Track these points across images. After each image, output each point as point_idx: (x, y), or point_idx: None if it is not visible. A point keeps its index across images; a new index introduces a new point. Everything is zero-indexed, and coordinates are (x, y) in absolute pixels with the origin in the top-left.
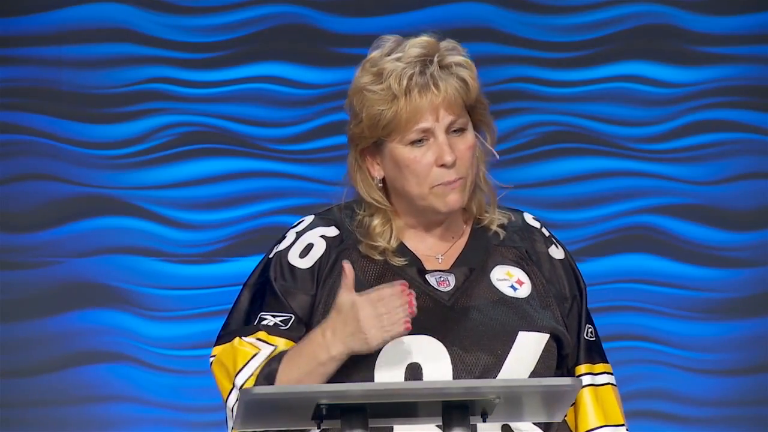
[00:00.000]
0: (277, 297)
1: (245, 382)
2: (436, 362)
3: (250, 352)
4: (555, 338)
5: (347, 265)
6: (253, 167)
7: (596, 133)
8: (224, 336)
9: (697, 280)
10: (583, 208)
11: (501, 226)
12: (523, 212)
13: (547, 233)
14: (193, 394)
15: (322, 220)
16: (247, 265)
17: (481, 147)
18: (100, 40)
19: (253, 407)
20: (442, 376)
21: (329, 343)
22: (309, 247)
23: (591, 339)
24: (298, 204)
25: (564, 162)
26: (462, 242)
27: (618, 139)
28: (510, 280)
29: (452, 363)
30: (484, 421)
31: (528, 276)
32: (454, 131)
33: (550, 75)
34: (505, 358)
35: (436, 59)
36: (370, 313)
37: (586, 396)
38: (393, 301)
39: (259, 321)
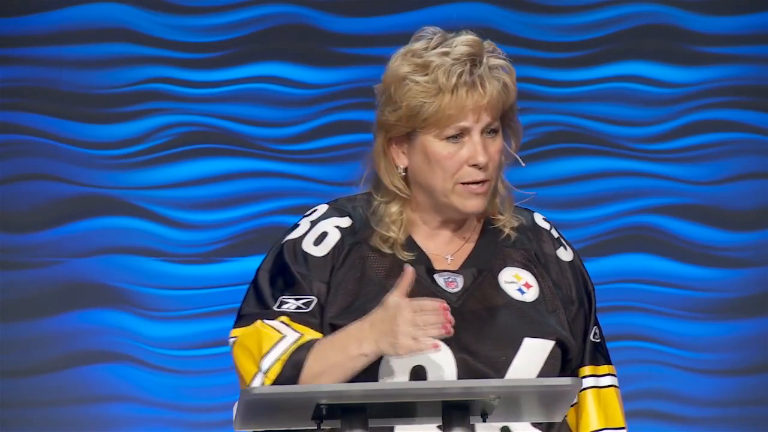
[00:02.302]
0: (296, 280)
1: (271, 366)
2: (440, 366)
3: (275, 337)
4: (560, 344)
5: (409, 269)
6: (253, 167)
7: (596, 133)
8: (244, 318)
9: (697, 280)
10: (583, 208)
11: (513, 228)
12: (533, 212)
13: (556, 234)
14: (193, 394)
15: (336, 210)
16: (247, 265)
17: (505, 151)
18: (100, 40)
19: (253, 407)
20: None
21: (364, 336)
22: (323, 236)
23: (596, 341)
24: (298, 204)
25: (564, 162)
26: (472, 243)
27: (618, 139)
28: (518, 283)
29: (457, 367)
30: (484, 421)
31: (536, 279)
32: (488, 133)
33: (550, 75)
34: (510, 364)
35: (484, 60)
36: (407, 319)
37: (589, 398)
38: (431, 317)
39: (281, 304)
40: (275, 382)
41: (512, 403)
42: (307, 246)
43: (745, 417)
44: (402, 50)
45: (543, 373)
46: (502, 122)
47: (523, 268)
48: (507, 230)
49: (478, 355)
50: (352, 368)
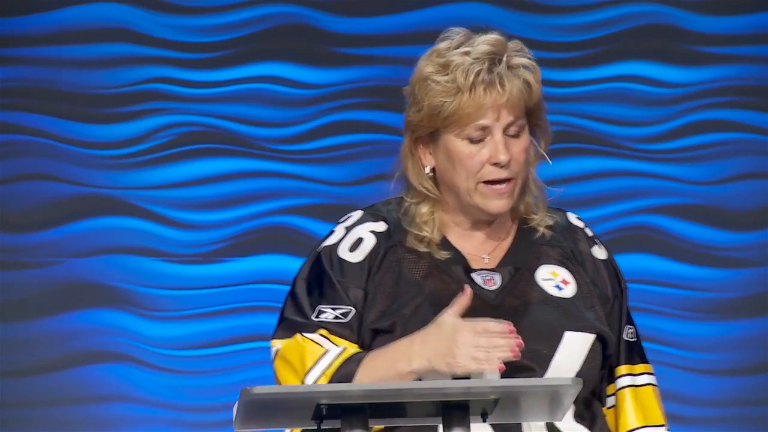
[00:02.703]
0: (335, 289)
1: (317, 380)
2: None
3: (318, 352)
4: (600, 338)
5: (468, 289)
6: (253, 167)
7: (596, 133)
8: (283, 328)
9: (697, 280)
10: (584, 208)
11: (548, 227)
12: (566, 212)
13: (590, 233)
14: (193, 394)
15: (371, 215)
16: (247, 265)
17: (534, 149)
18: (100, 40)
19: (253, 407)
20: (495, 375)
21: (414, 354)
22: (359, 242)
23: (632, 339)
24: (298, 204)
25: (564, 162)
26: (508, 242)
27: (618, 139)
28: (555, 279)
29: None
30: (484, 421)
31: (573, 276)
32: (511, 132)
33: (550, 75)
34: (552, 359)
35: (504, 58)
36: (468, 341)
37: (627, 397)
38: (496, 339)
39: (318, 313)
40: None
41: (512, 403)
42: (343, 252)
43: (745, 417)
44: (428, 51)
45: (585, 367)
46: (529, 121)
47: (559, 265)
48: (542, 229)
49: (521, 349)
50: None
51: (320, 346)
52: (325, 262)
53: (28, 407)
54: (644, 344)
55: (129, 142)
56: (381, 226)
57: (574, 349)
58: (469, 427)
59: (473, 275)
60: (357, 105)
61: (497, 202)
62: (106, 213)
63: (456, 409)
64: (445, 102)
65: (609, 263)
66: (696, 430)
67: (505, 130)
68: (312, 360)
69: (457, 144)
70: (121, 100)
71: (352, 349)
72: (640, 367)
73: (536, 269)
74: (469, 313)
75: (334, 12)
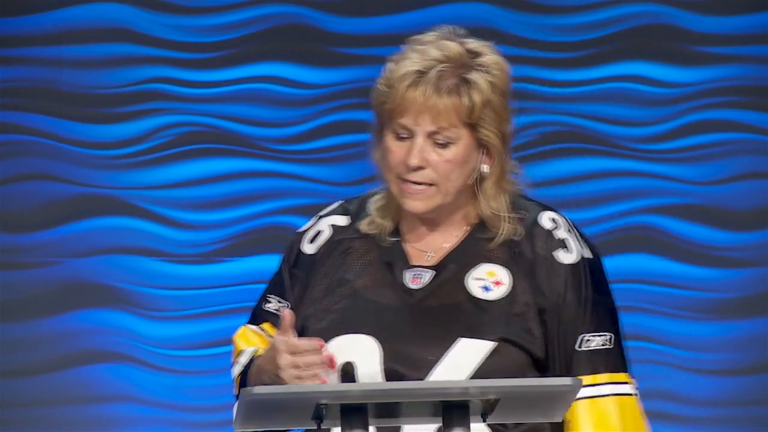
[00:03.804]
0: (283, 280)
1: (235, 378)
2: (369, 364)
3: (244, 348)
4: (512, 344)
5: (285, 313)
6: (253, 167)
7: (596, 133)
8: (252, 312)
9: (697, 280)
10: (583, 208)
11: (508, 226)
12: (544, 211)
13: (561, 236)
14: (193, 394)
15: (342, 208)
16: (247, 265)
17: (497, 162)
18: (100, 40)
19: (253, 407)
20: (373, 378)
21: (266, 369)
22: (318, 234)
23: (597, 348)
24: (298, 204)
25: (564, 162)
26: (456, 240)
27: (618, 139)
28: (487, 280)
29: (383, 366)
30: (484, 421)
31: (513, 278)
32: (439, 140)
33: (550, 75)
34: (438, 364)
35: (444, 67)
36: (286, 361)
37: (578, 409)
38: (309, 357)
39: (266, 302)
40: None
41: (512, 403)
42: (305, 243)
43: (745, 417)
44: (411, 38)
45: (479, 374)
46: (476, 135)
47: (502, 266)
48: (498, 229)
49: (404, 354)
50: None
51: (249, 341)
52: (286, 251)
53: (28, 407)
54: (644, 344)
55: (129, 142)
56: (343, 220)
57: (465, 357)
58: (469, 427)
59: (405, 272)
60: (357, 105)
61: (410, 202)
62: (106, 213)
63: (456, 409)
64: (382, 91)
65: (579, 268)
66: (696, 430)
67: (430, 136)
68: (236, 354)
69: (387, 137)
70: (121, 100)
71: (261, 349)
72: (603, 377)
73: (473, 268)
74: (387, 311)
75: (334, 12)
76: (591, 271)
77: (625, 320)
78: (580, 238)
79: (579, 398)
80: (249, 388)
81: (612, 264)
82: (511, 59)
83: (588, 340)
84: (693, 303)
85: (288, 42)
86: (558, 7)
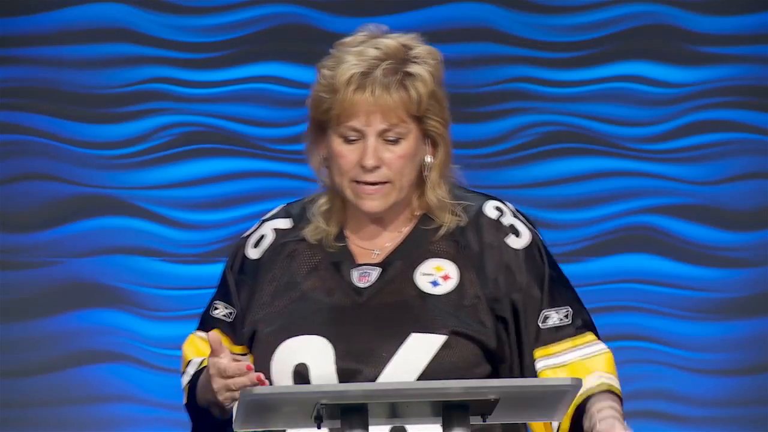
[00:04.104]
0: (228, 286)
1: (184, 387)
2: (322, 364)
3: (191, 357)
4: (464, 336)
5: (212, 335)
6: (253, 167)
7: (596, 133)
8: (200, 318)
9: (697, 280)
10: (583, 208)
11: (453, 219)
12: (487, 201)
13: (507, 222)
14: None
15: (284, 211)
16: None
17: (443, 152)
18: (100, 40)
19: (253, 407)
20: (327, 378)
21: (208, 387)
22: (261, 238)
23: (557, 324)
24: None
25: (564, 162)
26: (402, 237)
27: (618, 139)
28: (436, 274)
29: (336, 365)
30: (484, 421)
31: (460, 272)
32: (390, 137)
33: (550, 75)
34: (389, 361)
35: (387, 64)
36: (219, 384)
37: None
38: (239, 380)
39: (213, 309)
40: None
41: (512, 403)
42: (248, 247)
43: (745, 417)
44: (336, 42)
45: (432, 367)
46: (422, 127)
47: (449, 260)
48: (442, 222)
49: (356, 352)
50: (221, 405)
51: (194, 350)
52: (230, 257)
53: (28, 407)
54: (644, 344)
55: (129, 142)
56: (286, 223)
57: (418, 351)
58: (468, 427)
59: (352, 271)
60: None
61: (368, 203)
62: (106, 213)
63: (456, 409)
64: (324, 98)
65: (532, 250)
66: (696, 430)
67: (381, 135)
68: (184, 364)
69: (334, 140)
70: (121, 100)
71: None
72: (564, 344)
73: (420, 264)
74: (337, 310)
75: (334, 12)
76: (541, 250)
77: (626, 320)
78: (525, 220)
79: (540, 369)
80: (249, 388)
81: (612, 264)
82: (511, 59)
83: (547, 316)
84: (693, 303)
85: (288, 42)
86: (558, 7)
